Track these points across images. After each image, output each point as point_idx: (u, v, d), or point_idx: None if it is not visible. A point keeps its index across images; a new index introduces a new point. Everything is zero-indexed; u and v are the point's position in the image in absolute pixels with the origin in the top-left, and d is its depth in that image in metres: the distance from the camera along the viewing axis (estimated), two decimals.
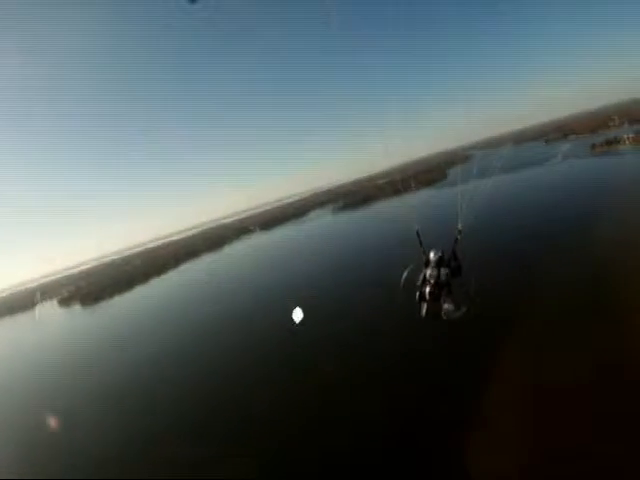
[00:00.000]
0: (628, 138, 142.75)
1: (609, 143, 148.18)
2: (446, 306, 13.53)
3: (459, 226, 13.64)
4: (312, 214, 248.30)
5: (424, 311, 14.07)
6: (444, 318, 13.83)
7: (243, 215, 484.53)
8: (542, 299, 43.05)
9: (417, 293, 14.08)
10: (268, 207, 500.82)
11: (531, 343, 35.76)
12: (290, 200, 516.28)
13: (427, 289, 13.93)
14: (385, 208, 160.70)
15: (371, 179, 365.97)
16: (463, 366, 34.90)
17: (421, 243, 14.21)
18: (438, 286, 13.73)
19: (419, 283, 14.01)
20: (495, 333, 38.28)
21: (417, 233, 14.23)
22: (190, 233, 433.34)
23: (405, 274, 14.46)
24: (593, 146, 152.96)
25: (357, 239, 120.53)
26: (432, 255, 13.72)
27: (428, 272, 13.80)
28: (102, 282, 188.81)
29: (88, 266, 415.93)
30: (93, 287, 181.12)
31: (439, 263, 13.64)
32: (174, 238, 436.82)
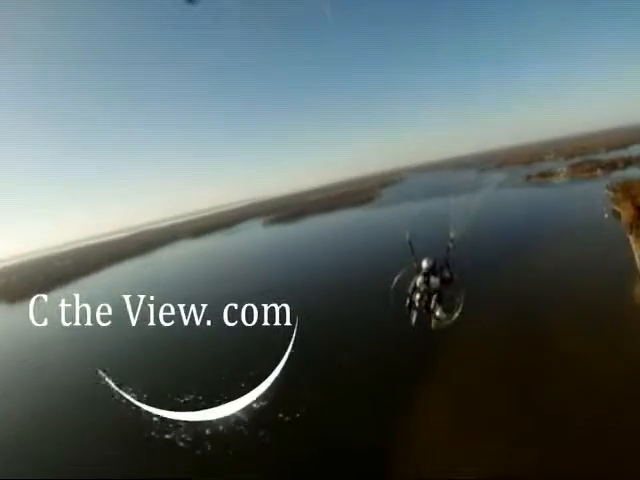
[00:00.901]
0: (562, 171, 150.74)
1: (543, 175, 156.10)
2: (437, 314, 13.39)
3: (451, 235, 13.66)
4: (243, 225, 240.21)
5: (414, 319, 13.76)
6: (433, 327, 13.68)
7: (171, 222, 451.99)
8: None
9: (407, 301, 13.71)
10: (198, 215, 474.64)
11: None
12: (220, 210, 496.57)
13: (417, 297, 13.66)
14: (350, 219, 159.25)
15: (301, 195, 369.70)
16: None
17: (413, 251, 13.97)
18: (428, 294, 13.53)
19: (409, 291, 13.70)
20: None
21: (409, 242, 14.02)
22: (117, 237, 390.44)
23: (395, 281, 14.04)
24: (528, 177, 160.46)
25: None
26: (424, 263, 13.59)
27: (419, 280, 13.64)
28: (34, 278, 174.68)
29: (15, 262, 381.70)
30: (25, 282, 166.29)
31: (431, 272, 13.46)
32: (103, 240, 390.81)
